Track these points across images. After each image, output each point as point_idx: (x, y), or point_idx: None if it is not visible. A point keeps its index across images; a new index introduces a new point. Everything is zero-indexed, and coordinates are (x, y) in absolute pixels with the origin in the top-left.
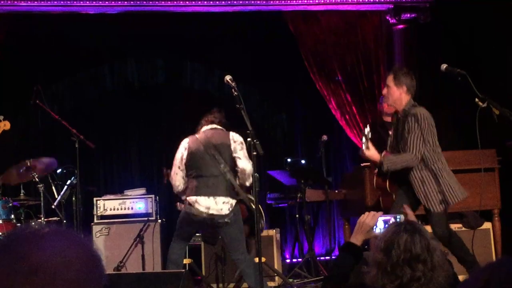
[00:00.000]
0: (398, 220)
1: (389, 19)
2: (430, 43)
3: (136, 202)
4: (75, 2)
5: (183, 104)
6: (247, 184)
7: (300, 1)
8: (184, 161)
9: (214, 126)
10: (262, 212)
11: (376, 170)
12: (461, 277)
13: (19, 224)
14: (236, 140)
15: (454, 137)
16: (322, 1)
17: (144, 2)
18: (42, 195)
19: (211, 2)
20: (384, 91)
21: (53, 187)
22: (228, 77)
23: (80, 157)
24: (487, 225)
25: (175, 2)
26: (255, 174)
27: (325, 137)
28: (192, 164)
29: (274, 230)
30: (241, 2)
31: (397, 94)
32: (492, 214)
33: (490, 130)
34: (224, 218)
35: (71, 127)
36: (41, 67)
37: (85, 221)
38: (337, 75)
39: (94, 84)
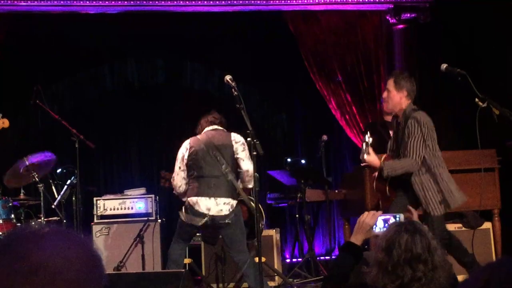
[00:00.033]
0: (397, 219)
1: (389, 19)
2: (430, 43)
3: (136, 202)
4: (75, 2)
5: (183, 104)
6: (250, 186)
7: (300, 1)
8: (185, 161)
9: (216, 127)
10: (263, 212)
11: (376, 174)
12: (461, 277)
13: (19, 224)
14: (238, 141)
15: (454, 137)
16: (322, 1)
17: (144, 2)
18: (42, 195)
19: (211, 2)
20: (384, 94)
21: (53, 187)
22: (228, 77)
23: (80, 157)
24: (487, 225)
25: (175, 2)
26: (255, 174)
27: (325, 137)
28: (193, 164)
29: (274, 230)
30: (241, 2)
31: (397, 99)
32: (492, 214)
33: (490, 130)
34: (225, 219)
35: (71, 127)
36: (41, 67)
37: (85, 221)
38: (337, 76)
39: (94, 84)
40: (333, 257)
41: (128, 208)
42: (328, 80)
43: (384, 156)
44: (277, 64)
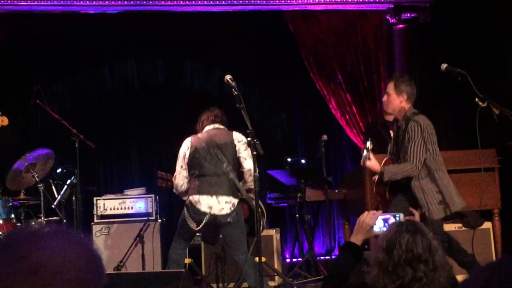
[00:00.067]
0: (397, 219)
1: (389, 18)
2: (430, 43)
3: (136, 202)
4: (75, 2)
5: (183, 104)
6: (252, 186)
7: (300, 1)
8: (186, 160)
9: (217, 125)
10: (264, 211)
11: (376, 178)
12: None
13: (19, 224)
14: (240, 140)
15: (454, 137)
16: (322, 0)
17: (144, 2)
18: (42, 194)
19: (211, 2)
20: (384, 98)
21: (53, 187)
22: (228, 77)
23: (80, 157)
24: (487, 225)
25: (175, 2)
26: (256, 174)
27: (325, 137)
28: (195, 163)
29: (274, 230)
30: (241, 1)
31: (397, 102)
32: (492, 214)
33: (490, 130)
34: (226, 217)
35: (71, 126)
36: (41, 67)
37: (85, 221)
38: (337, 76)
39: (94, 84)
40: (333, 257)
41: (128, 208)
42: (328, 80)
43: (384, 159)
44: (277, 64)
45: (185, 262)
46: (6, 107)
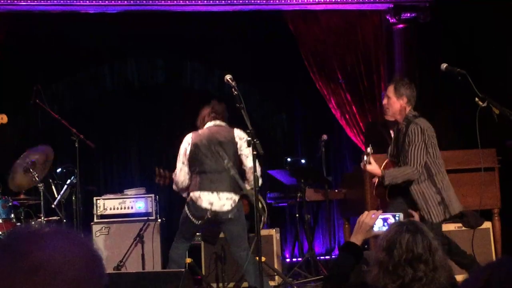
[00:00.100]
0: (397, 218)
1: (389, 18)
2: (430, 43)
3: (136, 202)
4: (75, 2)
5: (183, 104)
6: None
7: (300, 1)
8: (187, 156)
9: (218, 122)
10: (265, 206)
11: (376, 180)
12: (460, 277)
13: (19, 224)
14: (242, 137)
15: (454, 137)
16: (322, 0)
17: (144, 2)
18: (42, 194)
19: (211, 2)
20: (384, 101)
21: (53, 187)
22: (228, 77)
23: (80, 156)
24: (487, 224)
25: (175, 2)
26: (255, 173)
27: (325, 137)
28: (195, 159)
29: (274, 230)
30: (241, 1)
31: (397, 106)
32: (492, 214)
33: (490, 130)
34: (227, 214)
35: (71, 126)
36: (41, 67)
37: (85, 221)
38: (337, 76)
39: (94, 84)
40: (333, 256)
41: (128, 208)
42: (328, 79)
43: (384, 162)
44: (277, 64)
45: (185, 262)
46: (6, 107)
